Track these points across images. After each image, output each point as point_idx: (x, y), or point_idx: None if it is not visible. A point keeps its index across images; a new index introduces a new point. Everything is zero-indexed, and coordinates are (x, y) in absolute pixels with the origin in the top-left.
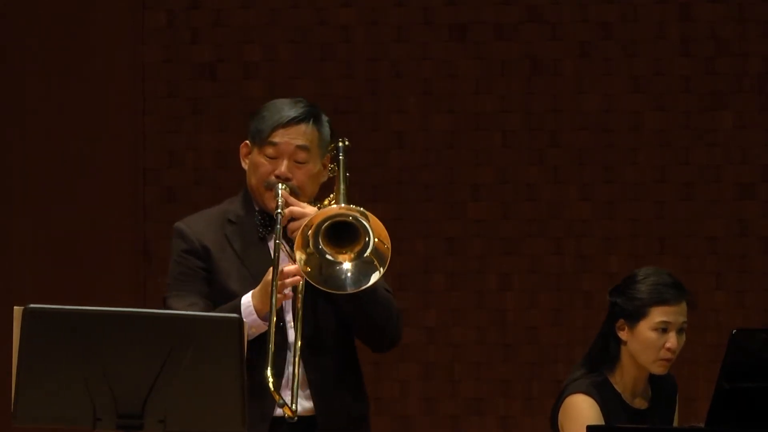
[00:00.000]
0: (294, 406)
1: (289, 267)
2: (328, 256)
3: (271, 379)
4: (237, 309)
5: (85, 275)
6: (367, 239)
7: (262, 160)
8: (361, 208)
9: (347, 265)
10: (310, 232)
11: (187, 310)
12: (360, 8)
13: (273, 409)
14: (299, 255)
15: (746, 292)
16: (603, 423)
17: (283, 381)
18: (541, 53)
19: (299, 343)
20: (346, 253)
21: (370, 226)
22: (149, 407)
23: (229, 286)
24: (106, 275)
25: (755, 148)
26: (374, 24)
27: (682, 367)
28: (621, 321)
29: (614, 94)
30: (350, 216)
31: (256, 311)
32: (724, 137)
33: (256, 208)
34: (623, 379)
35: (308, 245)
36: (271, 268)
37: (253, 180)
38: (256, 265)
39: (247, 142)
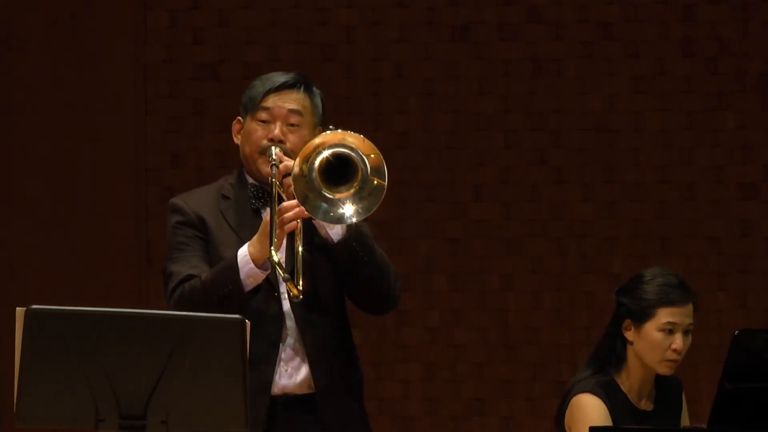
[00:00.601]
0: (300, 286)
1: (288, 202)
2: (327, 194)
3: (276, 258)
4: (234, 261)
5: (86, 276)
6: (363, 166)
7: (255, 126)
8: (358, 136)
9: (349, 202)
10: (305, 167)
11: (190, 272)
12: (362, 9)
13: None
14: (296, 173)
15: (748, 292)
16: (610, 423)
17: (282, 347)
18: (543, 54)
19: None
20: (348, 189)
21: (361, 150)
22: (152, 408)
23: (225, 256)
24: (108, 276)
25: (757, 148)
26: (376, 24)
27: (685, 368)
28: (627, 321)
29: (616, 95)
30: (345, 147)
31: (253, 260)
32: (726, 137)
33: (250, 182)
34: (629, 380)
35: (306, 181)
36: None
37: (246, 148)
38: (250, 237)
39: (239, 118)
